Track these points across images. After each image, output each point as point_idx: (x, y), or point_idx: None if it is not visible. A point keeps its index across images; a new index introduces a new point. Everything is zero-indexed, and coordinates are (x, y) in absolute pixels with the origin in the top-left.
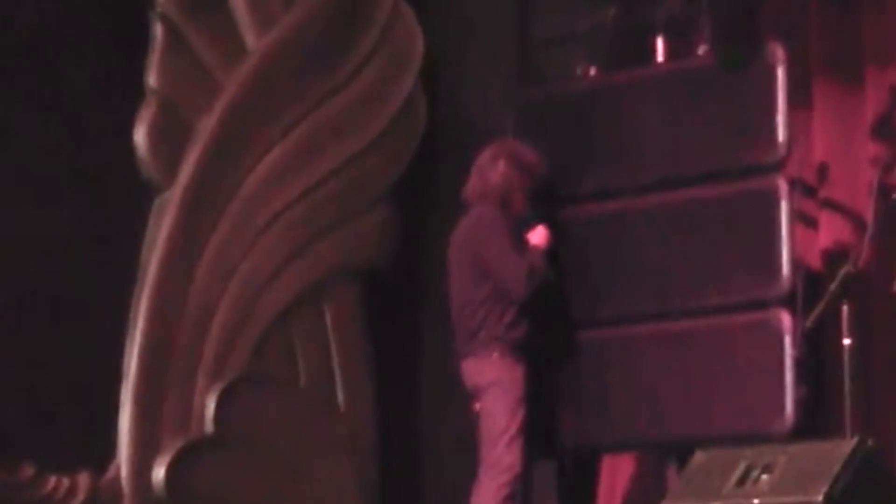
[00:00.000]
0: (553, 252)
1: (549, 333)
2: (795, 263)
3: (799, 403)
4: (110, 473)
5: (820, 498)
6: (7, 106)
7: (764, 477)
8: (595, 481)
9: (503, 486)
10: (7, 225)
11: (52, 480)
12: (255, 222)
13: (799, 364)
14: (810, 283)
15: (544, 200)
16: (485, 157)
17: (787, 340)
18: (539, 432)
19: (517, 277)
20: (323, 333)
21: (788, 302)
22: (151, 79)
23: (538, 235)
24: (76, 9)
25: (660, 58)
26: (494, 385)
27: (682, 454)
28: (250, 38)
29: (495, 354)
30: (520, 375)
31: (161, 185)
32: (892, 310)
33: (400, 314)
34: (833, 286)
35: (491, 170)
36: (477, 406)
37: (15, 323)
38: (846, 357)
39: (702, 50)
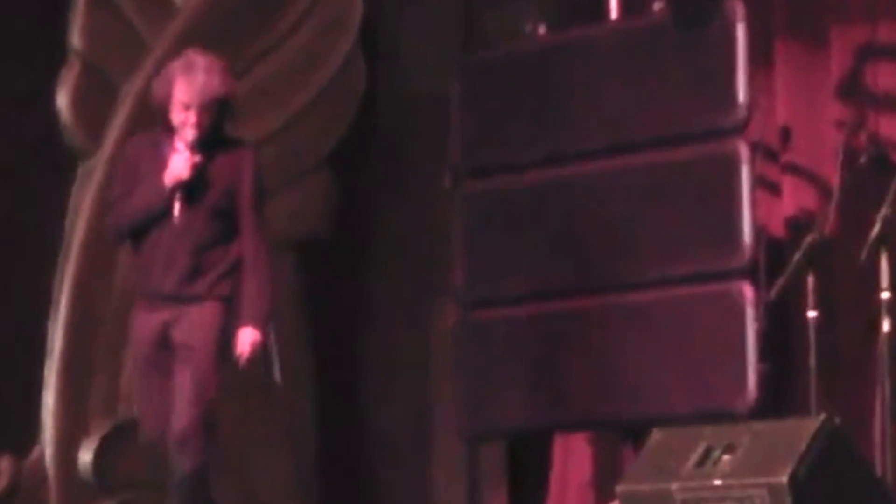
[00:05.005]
0: None
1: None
2: (757, 232)
3: (762, 380)
4: (33, 456)
5: (784, 478)
6: None
7: (725, 457)
8: (547, 463)
9: None
10: None
11: None
12: None
13: (762, 338)
14: (773, 253)
15: None
16: None
17: (749, 313)
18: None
19: None
20: None
21: (750, 272)
22: (75, 38)
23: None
24: None
25: (613, 15)
26: None
27: (639, 434)
28: None
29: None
30: None
31: (85, 151)
32: (860, 280)
33: (339, 285)
34: (797, 255)
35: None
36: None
37: None
38: (811, 330)
39: (657, 6)
